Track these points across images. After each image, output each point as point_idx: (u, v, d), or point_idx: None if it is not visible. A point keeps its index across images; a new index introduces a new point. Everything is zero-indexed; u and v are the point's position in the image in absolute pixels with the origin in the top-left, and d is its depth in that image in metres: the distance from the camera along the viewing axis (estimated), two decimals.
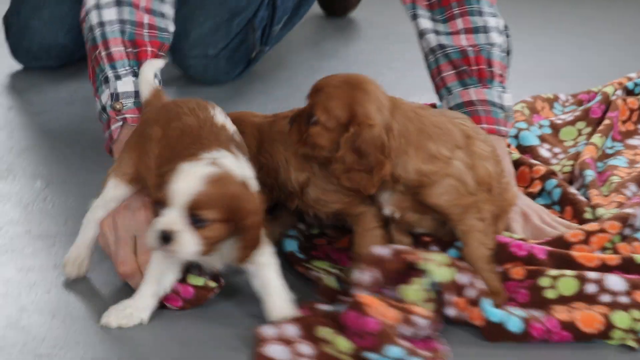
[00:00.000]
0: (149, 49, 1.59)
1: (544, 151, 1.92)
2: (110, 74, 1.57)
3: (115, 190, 1.43)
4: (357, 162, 1.35)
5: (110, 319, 1.34)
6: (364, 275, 1.36)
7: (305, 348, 1.26)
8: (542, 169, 1.75)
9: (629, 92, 2.11)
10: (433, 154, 1.38)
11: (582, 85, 2.20)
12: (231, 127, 1.40)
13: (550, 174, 1.74)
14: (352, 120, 1.35)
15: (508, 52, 1.71)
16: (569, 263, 1.44)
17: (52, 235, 1.61)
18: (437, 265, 1.36)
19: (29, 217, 1.69)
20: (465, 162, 1.40)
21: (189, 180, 1.25)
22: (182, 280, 1.38)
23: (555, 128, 1.99)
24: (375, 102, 1.37)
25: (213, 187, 1.25)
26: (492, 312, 1.35)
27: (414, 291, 1.36)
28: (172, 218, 1.26)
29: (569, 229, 1.57)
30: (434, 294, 1.36)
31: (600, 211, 1.62)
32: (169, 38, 1.65)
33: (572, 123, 2.00)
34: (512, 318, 1.34)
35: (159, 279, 1.34)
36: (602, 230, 1.51)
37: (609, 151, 1.92)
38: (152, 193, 1.35)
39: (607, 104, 2.03)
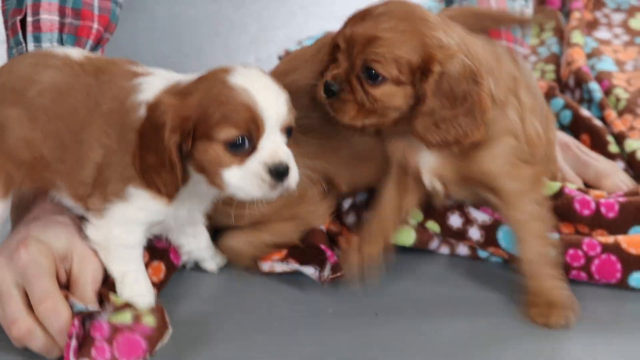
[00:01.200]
0: (95, 26, 1.21)
1: None
2: (30, 48, 1.16)
3: None
4: (450, 108, 1.04)
5: None
6: None
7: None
8: (542, 84, 1.41)
9: None
10: (492, 95, 1.08)
11: None
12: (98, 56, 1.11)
13: (554, 90, 1.40)
14: (429, 60, 1.04)
15: None
16: None
17: None
18: None
19: None
20: (518, 112, 1.14)
21: (270, 91, 1.00)
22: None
23: None
24: (439, 26, 1.06)
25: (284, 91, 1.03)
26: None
27: None
28: (279, 145, 1.00)
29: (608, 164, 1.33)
30: None
31: (631, 144, 1.37)
32: (118, 16, 1.25)
33: None
34: None
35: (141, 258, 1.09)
36: None
37: (585, 49, 1.61)
38: (58, 174, 1.07)
39: None
